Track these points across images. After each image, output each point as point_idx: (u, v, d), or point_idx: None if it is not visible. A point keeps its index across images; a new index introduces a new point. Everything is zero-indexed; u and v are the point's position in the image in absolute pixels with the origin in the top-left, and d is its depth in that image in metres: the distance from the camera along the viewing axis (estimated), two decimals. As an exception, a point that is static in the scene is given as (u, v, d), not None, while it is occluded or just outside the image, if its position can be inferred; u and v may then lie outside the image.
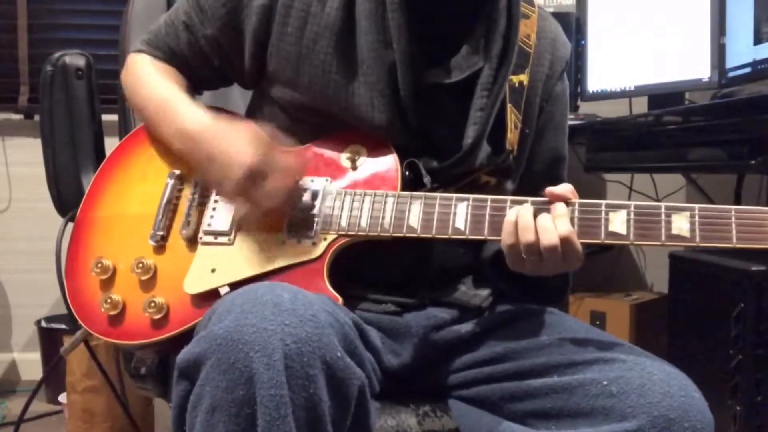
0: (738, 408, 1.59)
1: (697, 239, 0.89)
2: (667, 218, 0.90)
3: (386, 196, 1.00)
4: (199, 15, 1.11)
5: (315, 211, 1.02)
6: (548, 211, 0.93)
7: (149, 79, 1.13)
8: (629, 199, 2.56)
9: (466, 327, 1.06)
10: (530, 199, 0.96)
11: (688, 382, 0.90)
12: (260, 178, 0.96)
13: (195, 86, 1.18)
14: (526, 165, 1.14)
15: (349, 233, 1.00)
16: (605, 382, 0.89)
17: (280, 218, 1.02)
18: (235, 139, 0.99)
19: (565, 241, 0.90)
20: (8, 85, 2.79)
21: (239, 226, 1.04)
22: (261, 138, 0.99)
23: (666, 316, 1.94)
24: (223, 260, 1.02)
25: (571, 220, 0.92)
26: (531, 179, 1.15)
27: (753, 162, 1.49)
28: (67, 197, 1.32)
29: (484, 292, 1.10)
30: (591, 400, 0.90)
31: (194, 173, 1.08)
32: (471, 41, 1.05)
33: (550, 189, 0.94)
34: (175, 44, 1.14)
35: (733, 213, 0.88)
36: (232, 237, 1.03)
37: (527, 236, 0.91)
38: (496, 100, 1.05)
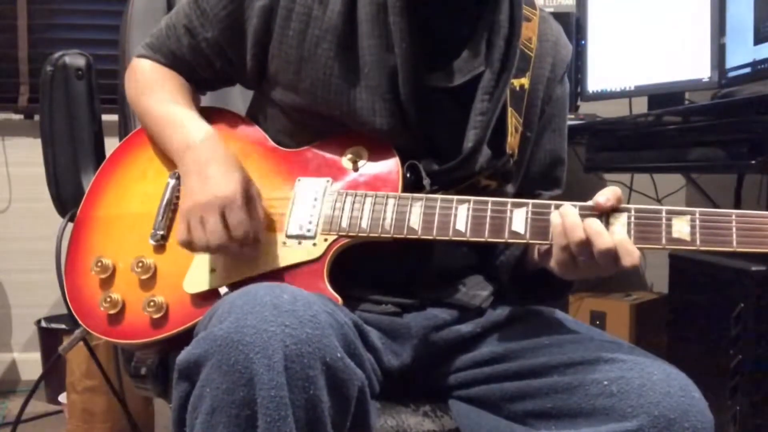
0: (738, 408, 1.59)
1: (698, 243, 0.89)
2: (668, 222, 0.90)
3: (387, 197, 1.00)
4: (200, 18, 1.11)
5: (316, 211, 1.02)
6: (595, 215, 0.91)
7: (151, 88, 1.13)
8: (629, 199, 2.56)
9: (466, 327, 1.06)
10: (533, 202, 0.96)
11: (688, 382, 0.90)
12: (220, 216, 0.96)
13: (197, 87, 1.18)
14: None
15: (350, 234, 1.00)
16: (605, 382, 0.89)
17: (281, 219, 1.02)
18: (226, 172, 0.99)
19: (620, 245, 0.89)
20: (8, 85, 2.78)
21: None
22: (248, 190, 0.99)
23: (666, 316, 1.94)
24: (223, 260, 1.01)
25: None
26: (528, 181, 1.15)
27: (753, 162, 1.49)
28: (66, 197, 1.32)
29: (484, 293, 1.10)
30: (591, 400, 0.90)
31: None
32: (472, 45, 1.05)
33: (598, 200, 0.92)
34: (176, 47, 1.14)
35: (733, 217, 0.88)
36: (232, 237, 1.03)
37: (577, 233, 0.90)
38: (497, 104, 1.04)
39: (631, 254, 0.88)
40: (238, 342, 0.77)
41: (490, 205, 0.97)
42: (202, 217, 0.97)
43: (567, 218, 0.91)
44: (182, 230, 0.99)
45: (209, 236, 0.97)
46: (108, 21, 2.74)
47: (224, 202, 0.97)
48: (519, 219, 0.95)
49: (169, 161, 1.11)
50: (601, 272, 0.92)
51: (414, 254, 1.04)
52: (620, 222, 0.91)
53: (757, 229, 0.87)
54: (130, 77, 1.18)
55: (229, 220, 0.97)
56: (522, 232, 0.95)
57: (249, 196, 0.99)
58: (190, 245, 0.99)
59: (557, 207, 0.94)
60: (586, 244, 0.89)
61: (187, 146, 1.04)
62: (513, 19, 1.07)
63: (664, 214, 0.91)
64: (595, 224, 0.90)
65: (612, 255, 0.88)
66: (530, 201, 0.96)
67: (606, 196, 0.91)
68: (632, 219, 0.91)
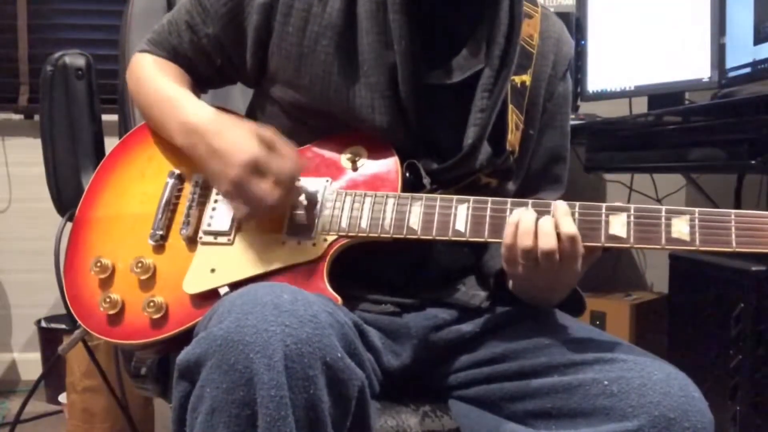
0: (738, 408, 1.59)
1: (697, 243, 0.89)
2: (667, 221, 0.90)
3: (387, 197, 1.00)
4: (201, 14, 1.11)
5: (315, 211, 1.02)
6: (550, 214, 0.92)
7: (153, 77, 1.13)
8: (629, 199, 2.56)
9: (466, 327, 1.06)
10: (532, 201, 0.96)
11: (688, 382, 0.90)
12: (258, 175, 0.97)
13: (198, 85, 1.18)
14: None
15: (350, 234, 1.00)
16: (605, 382, 0.89)
17: (281, 218, 1.02)
18: (237, 135, 0.99)
19: (568, 241, 0.90)
20: (8, 85, 2.79)
21: (239, 226, 1.04)
22: (262, 136, 0.99)
23: (666, 316, 1.94)
24: (223, 260, 1.01)
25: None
26: (529, 178, 1.15)
27: (753, 162, 1.49)
28: (66, 197, 1.32)
29: (484, 293, 1.10)
30: (591, 399, 0.90)
31: (195, 168, 1.08)
32: (472, 42, 1.05)
33: None
34: (177, 43, 1.14)
35: (732, 217, 0.88)
36: (231, 237, 1.03)
37: (525, 240, 0.91)
38: (497, 101, 1.04)
39: (573, 259, 0.91)
40: (238, 342, 0.77)
41: (489, 204, 0.97)
42: (246, 188, 0.97)
43: (522, 222, 0.92)
44: (240, 209, 0.99)
45: (264, 199, 0.97)
46: (108, 21, 2.74)
47: (251, 164, 0.96)
48: None
49: (168, 160, 1.11)
50: (541, 276, 0.93)
51: (414, 254, 1.04)
52: (619, 221, 0.91)
53: (757, 230, 0.87)
54: (131, 71, 1.19)
55: (269, 173, 0.97)
56: (522, 231, 0.94)
57: (267, 141, 0.99)
58: (253, 216, 1.00)
59: (514, 205, 0.95)
60: (533, 247, 0.91)
61: (188, 130, 1.04)
62: (513, 16, 1.07)
63: (663, 213, 0.90)
64: (545, 224, 0.91)
65: (552, 256, 0.90)
66: (530, 201, 0.96)
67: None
68: (632, 218, 0.91)
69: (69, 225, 1.17)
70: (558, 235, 0.91)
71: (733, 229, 0.88)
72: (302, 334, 0.78)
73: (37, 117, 2.71)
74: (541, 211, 0.93)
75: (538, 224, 0.91)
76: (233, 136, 0.99)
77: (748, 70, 1.77)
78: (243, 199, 0.98)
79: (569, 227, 0.90)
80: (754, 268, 1.57)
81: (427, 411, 1.04)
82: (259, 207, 0.98)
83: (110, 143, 1.27)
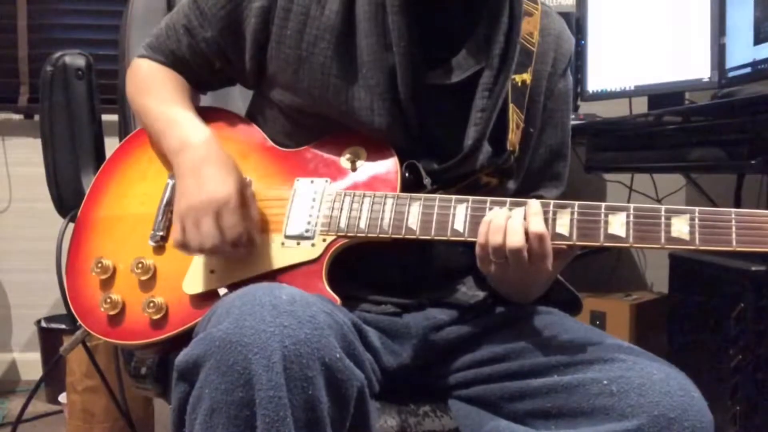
0: (738, 408, 1.59)
1: (697, 242, 0.88)
2: (667, 221, 0.90)
3: (385, 197, 1.00)
4: (198, 18, 1.11)
5: (314, 212, 1.02)
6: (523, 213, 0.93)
7: (150, 88, 1.13)
8: (629, 199, 2.56)
9: (466, 327, 1.06)
10: (510, 200, 0.96)
11: (687, 382, 0.90)
12: (215, 217, 0.97)
13: (197, 87, 1.18)
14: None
15: (348, 234, 1.00)
16: (605, 382, 0.89)
17: (280, 219, 1.02)
18: (224, 172, 1.00)
19: (536, 240, 0.90)
20: (8, 85, 2.78)
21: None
22: (244, 189, 1.00)
23: (666, 316, 1.94)
24: (222, 261, 1.01)
25: (571, 222, 0.92)
26: (529, 176, 1.15)
27: (753, 162, 1.49)
28: (66, 197, 1.32)
29: (483, 293, 1.10)
30: (591, 399, 0.90)
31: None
32: (472, 42, 1.05)
33: None
34: (176, 47, 1.14)
35: (733, 216, 0.88)
36: (231, 238, 1.03)
37: (496, 238, 0.92)
38: (497, 100, 1.04)
39: (543, 257, 0.91)
40: (236, 342, 0.77)
41: (488, 204, 0.97)
42: (196, 218, 0.97)
43: (494, 220, 0.93)
44: (177, 232, 0.99)
45: (203, 238, 0.97)
46: (108, 21, 2.74)
47: (219, 204, 0.97)
48: None
49: (169, 162, 1.11)
50: (512, 274, 0.94)
51: (413, 254, 1.04)
52: (618, 221, 0.91)
53: (757, 228, 0.87)
54: (130, 77, 1.19)
55: (223, 223, 0.97)
56: (520, 231, 0.94)
57: (244, 198, 1.00)
58: (184, 247, 0.99)
59: (513, 205, 0.95)
60: (502, 245, 0.91)
61: (183, 146, 1.04)
62: (513, 15, 1.07)
63: (663, 213, 0.90)
64: (513, 222, 0.91)
65: (519, 253, 0.90)
66: (529, 201, 0.96)
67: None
68: (631, 218, 0.91)
69: (70, 226, 1.17)
70: (527, 233, 0.91)
71: (733, 228, 0.87)
72: (301, 335, 0.78)
73: (37, 117, 2.70)
74: (516, 210, 0.93)
75: (507, 222, 0.92)
76: (221, 170, 1.00)
77: (748, 70, 1.77)
78: (187, 227, 0.98)
79: (537, 226, 0.91)
80: (754, 268, 1.57)
81: (427, 411, 1.04)
82: (192, 242, 0.98)
83: (110, 143, 1.27)
